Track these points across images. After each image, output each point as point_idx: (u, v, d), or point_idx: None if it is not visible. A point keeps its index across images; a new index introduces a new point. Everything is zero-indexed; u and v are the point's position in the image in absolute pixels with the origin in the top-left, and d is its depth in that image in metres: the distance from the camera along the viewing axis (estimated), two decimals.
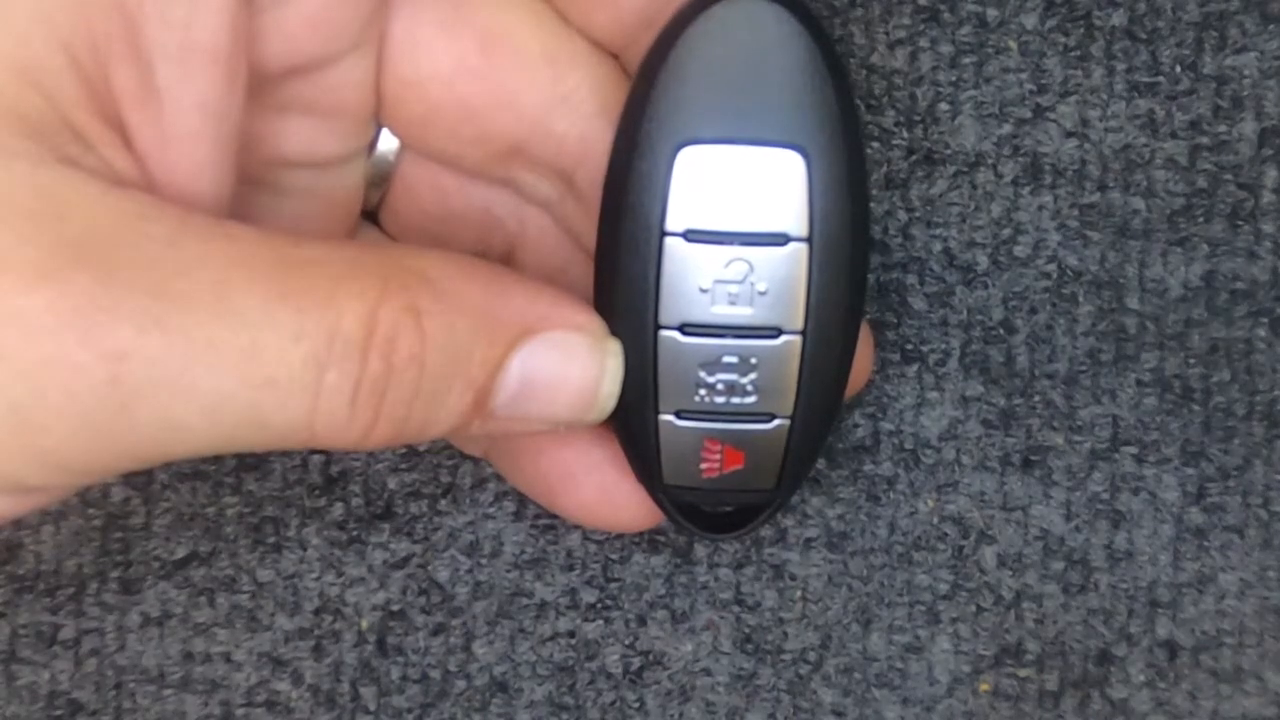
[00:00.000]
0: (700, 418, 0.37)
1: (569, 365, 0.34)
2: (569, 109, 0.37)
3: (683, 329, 0.35)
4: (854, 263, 0.35)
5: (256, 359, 0.30)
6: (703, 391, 0.36)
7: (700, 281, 0.35)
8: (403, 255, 0.32)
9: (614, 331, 0.35)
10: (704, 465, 0.37)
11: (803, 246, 0.34)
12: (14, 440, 0.29)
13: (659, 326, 0.35)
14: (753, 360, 0.36)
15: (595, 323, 0.35)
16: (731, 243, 0.34)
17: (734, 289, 0.35)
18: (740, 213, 0.34)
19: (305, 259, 0.31)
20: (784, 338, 0.35)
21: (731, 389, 0.36)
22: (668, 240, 0.34)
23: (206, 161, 0.32)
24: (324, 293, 0.30)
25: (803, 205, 0.34)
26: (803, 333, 0.35)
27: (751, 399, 0.36)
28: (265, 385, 0.30)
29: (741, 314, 0.35)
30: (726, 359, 0.36)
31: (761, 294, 0.35)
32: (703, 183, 0.34)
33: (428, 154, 0.39)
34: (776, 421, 0.37)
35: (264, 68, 0.34)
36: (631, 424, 0.37)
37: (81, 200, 0.30)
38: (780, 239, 0.34)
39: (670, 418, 0.36)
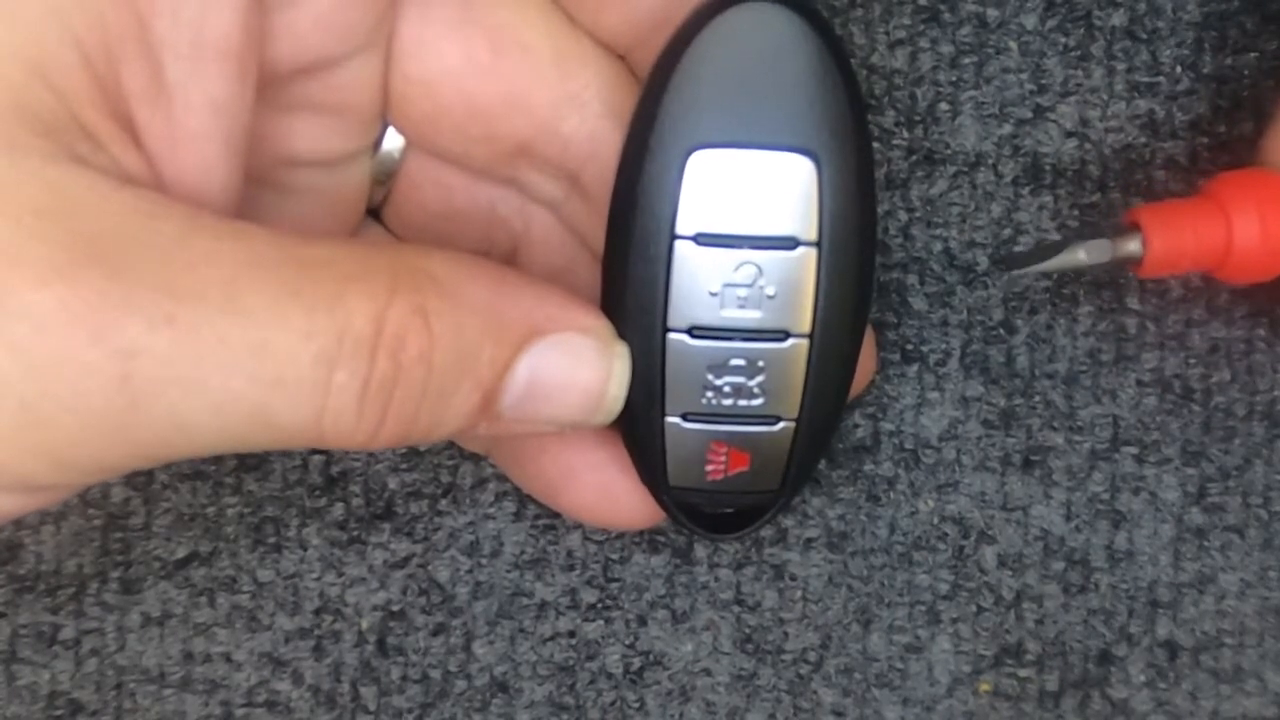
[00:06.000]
0: (707, 420, 0.37)
1: (576, 367, 0.34)
2: (576, 109, 0.37)
3: (691, 332, 0.35)
4: (862, 267, 0.35)
5: (266, 358, 0.30)
6: (710, 394, 0.36)
7: (710, 285, 0.35)
8: (411, 255, 0.32)
9: (622, 334, 0.35)
10: (709, 467, 0.37)
11: (811, 251, 0.34)
12: (23, 437, 0.29)
13: (667, 329, 0.35)
14: (760, 363, 0.36)
15: (603, 325, 0.35)
16: (741, 246, 0.34)
17: (743, 292, 0.35)
18: (750, 216, 0.34)
19: (315, 258, 0.31)
20: (791, 341, 0.35)
21: (738, 391, 0.36)
22: (678, 243, 0.34)
23: (216, 160, 0.32)
24: (333, 292, 0.30)
25: (812, 210, 0.34)
26: (810, 336, 0.35)
27: (758, 401, 0.36)
28: (274, 384, 0.30)
29: (750, 317, 0.35)
30: (734, 362, 0.36)
31: (770, 297, 0.35)
32: (713, 186, 0.34)
33: (434, 152, 0.39)
34: (782, 424, 0.37)
35: (274, 67, 0.34)
36: (638, 426, 0.37)
37: (92, 198, 0.30)
38: (789, 243, 0.34)
39: (677, 420, 0.37)
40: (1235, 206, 0.40)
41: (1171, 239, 0.40)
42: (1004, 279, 0.45)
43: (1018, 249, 0.45)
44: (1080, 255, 0.41)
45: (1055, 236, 0.45)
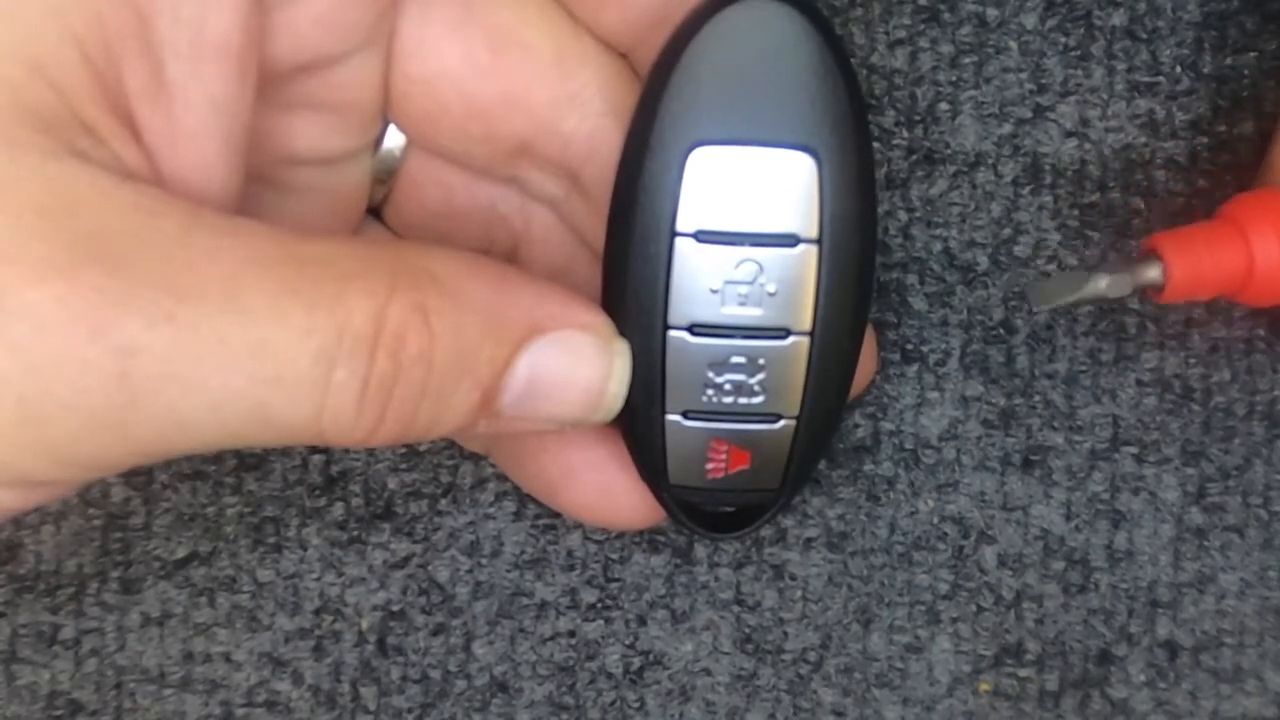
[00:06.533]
0: (707, 418, 0.37)
1: (576, 365, 0.34)
2: (577, 107, 0.37)
3: (692, 329, 0.35)
4: (862, 264, 0.35)
5: (266, 356, 0.30)
6: (710, 392, 0.36)
7: (710, 282, 0.35)
8: (411, 253, 0.32)
9: (623, 331, 0.35)
10: (709, 465, 0.37)
11: (812, 248, 0.34)
12: (22, 434, 0.29)
13: (668, 327, 0.35)
14: (761, 361, 0.36)
15: (603, 322, 0.35)
16: (742, 244, 0.34)
17: (744, 290, 0.35)
18: (751, 214, 0.34)
19: (315, 256, 0.31)
20: (792, 338, 0.35)
21: (739, 389, 0.36)
22: (678, 241, 0.34)
23: (216, 158, 0.32)
24: (334, 290, 0.30)
25: (813, 207, 0.34)
26: (810, 334, 0.35)
27: (759, 399, 0.36)
28: (274, 382, 0.30)
29: (751, 315, 0.35)
30: (735, 359, 0.36)
31: (771, 295, 0.35)
32: (714, 184, 0.34)
33: (435, 151, 0.39)
34: (782, 422, 0.37)
35: (274, 65, 0.34)
36: (638, 424, 0.37)
37: (92, 194, 0.30)
38: (790, 240, 0.34)
39: (677, 418, 0.37)
40: (1254, 229, 0.40)
41: (1192, 265, 0.40)
42: (1004, 278, 0.45)
43: (1038, 280, 0.44)
44: (1102, 286, 0.41)
45: (1056, 235, 0.45)
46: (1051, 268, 0.45)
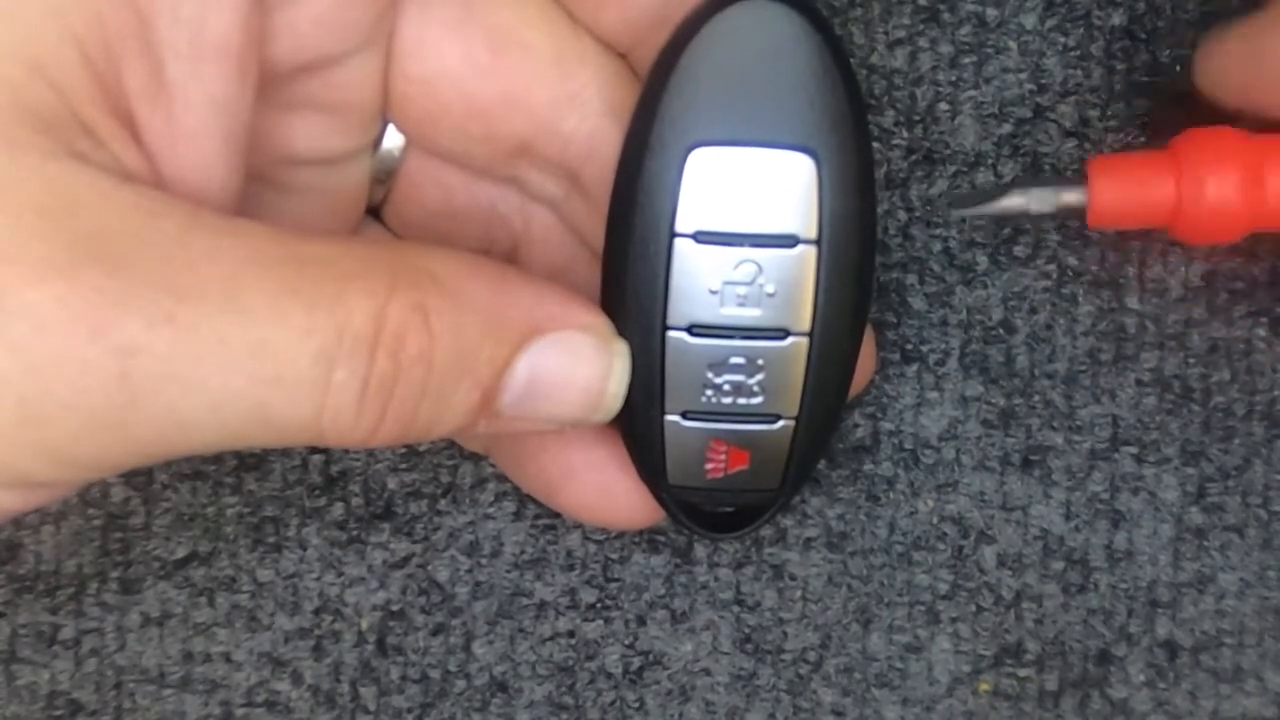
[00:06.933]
0: (706, 418, 0.37)
1: (576, 365, 0.34)
2: (576, 108, 0.37)
3: (691, 330, 0.35)
4: (861, 265, 0.35)
5: (266, 356, 0.30)
6: (709, 392, 0.36)
7: (709, 283, 0.35)
8: (411, 253, 0.32)
9: (622, 332, 0.35)
10: (709, 465, 0.37)
11: (811, 249, 0.34)
12: (22, 434, 0.29)
13: (667, 327, 0.35)
14: (760, 361, 0.36)
15: (602, 323, 0.35)
16: (741, 244, 0.34)
17: (743, 290, 0.35)
18: (750, 214, 0.34)
19: (315, 256, 0.31)
20: (791, 339, 0.35)
21: (738, 390, 0.36)
22: (677, 241, 0.34)
23: (216, 158, 0.32)
24: (333, 290, 0.30)
25: (812, 208, 0.34)
26: (810, 334, 0.35)
27: (758, 400, 0.36)
28: (274, 382, 0.30)
29: (750, 315, 0.35)
30: (734, 360, 0.36)
31: (770, 295, 0.35)
32: (713, 184, 0.34)
33: (434, 151, 0.39)
34: (781, 422, 0.37)
35: (273, 65, 0.34)
36: (637, 424, 0.37)
37: (91, 195, 0.30)
38: (789, 241, 0.34)
39: (676, 418, 0.37)
40: (1189, 162, 0.40)
41: (1118, 191, 0.40)
42: (1004, 278, 0.45)
43: (961, 189, 0.44)
44: (1022, 200, 0.41)
45: (1056, 236, 0.45)
46: (1052, 268, 0.45)
